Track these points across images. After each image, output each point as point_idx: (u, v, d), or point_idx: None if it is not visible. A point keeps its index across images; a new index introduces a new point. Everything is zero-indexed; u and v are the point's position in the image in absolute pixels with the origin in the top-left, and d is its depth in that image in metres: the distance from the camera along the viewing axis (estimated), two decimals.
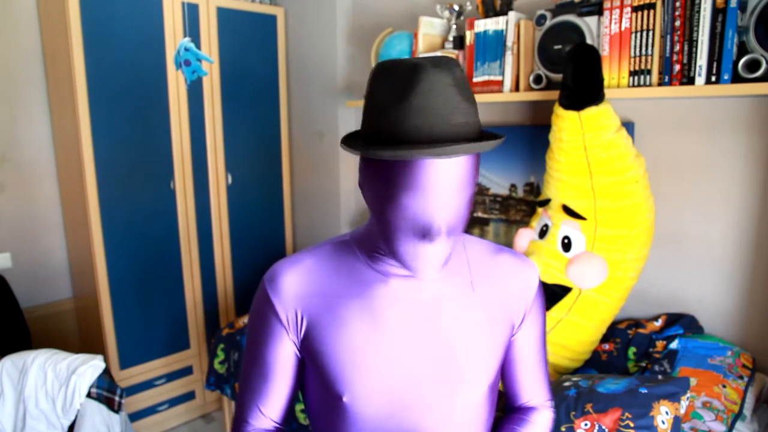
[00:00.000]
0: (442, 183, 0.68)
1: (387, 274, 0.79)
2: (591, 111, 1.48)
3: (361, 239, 0.82)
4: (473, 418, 0.83)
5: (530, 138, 2.04)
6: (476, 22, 1.91)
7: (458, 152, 0.64)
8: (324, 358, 0.78)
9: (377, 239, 0.79)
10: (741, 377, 1.49)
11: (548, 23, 1.71)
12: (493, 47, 1.87)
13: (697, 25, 1.40)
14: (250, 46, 2.74)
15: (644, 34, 1.52)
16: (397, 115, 0.67)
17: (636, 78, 1.55)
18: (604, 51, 1.59)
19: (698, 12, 1.40)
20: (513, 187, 2.14)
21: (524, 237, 1.78)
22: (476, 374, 0.81)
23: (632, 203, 1.56)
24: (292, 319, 0.80)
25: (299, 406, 1.90)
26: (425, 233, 0.70)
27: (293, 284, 0.79)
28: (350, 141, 0.76)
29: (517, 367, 0.92)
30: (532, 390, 0.94)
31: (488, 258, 0.87)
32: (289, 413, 0.88)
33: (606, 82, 1.59)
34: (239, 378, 0.87)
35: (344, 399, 0.77)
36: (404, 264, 0.74)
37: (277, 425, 0.87)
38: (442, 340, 0.79)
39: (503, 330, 0.85)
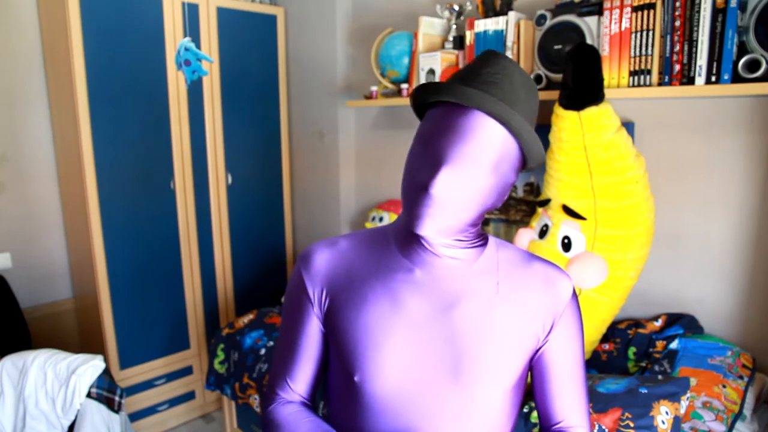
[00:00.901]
0: (468, 132, 0.72)
1: (414, 262, 0.82)
2: (591, 111, 1.48)
3: (396, 227, 0.85)
4: (487, 419, 0.81)
5: None
6: (476, 22, 1.91)
7: (495, 108, 0.71)
8: (340, 334, 0.82)
9: (405, 224, 0.82)
10: (741, 377, 1.49)
11: (548, 23, 1.71)
12: (492, 47, 1.87)
13: (697, 25, 1.40)
14: (250, 46, 2.74)
15: (644, 34, 1.52)
16: (465, 71, 0.78)
17: (636, 78, 1.55)
18: (604, 51, 1.59)
19: (698, 12, 1.40)
20: (513, 187, 2.14)
21: (524, 237, 1.78)
22: (492, 375, 0.79)
23: (632, 203, 1.56)
24: (318, 295, 0.84)
25: None
26: (429, 173, 0.73)
27: (323, 262, 0.85)
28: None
29: (547, 384, 0.86)
30: (564, 411, 0.86)
31: (520, 263, 0.85)
32: (315, 390, 0.91)
33: (606, 82, 1.59)
34: (274, 350, 0.93)
35: (355, 378, 0.79)
36: (408, 214, 0.76)
37: (304, 399, 0.90)
38: (458, 335, 0.79)
39: (526, 338, 0.82)
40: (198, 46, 2.48)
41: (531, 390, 0.91)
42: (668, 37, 1.47)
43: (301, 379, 0.88)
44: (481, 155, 0.73)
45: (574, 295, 0.86)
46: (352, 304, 0.81)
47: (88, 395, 1.72)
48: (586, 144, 1.52)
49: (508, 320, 0.81)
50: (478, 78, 0.75)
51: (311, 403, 0.91)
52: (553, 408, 0.86)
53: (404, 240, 0.82)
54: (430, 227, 0.74)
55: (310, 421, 0.84)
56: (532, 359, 0.86)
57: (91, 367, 1.74)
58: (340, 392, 0.85)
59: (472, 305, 0.80)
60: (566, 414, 0.86)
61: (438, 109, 0.76)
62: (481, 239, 0.84)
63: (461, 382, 0.79)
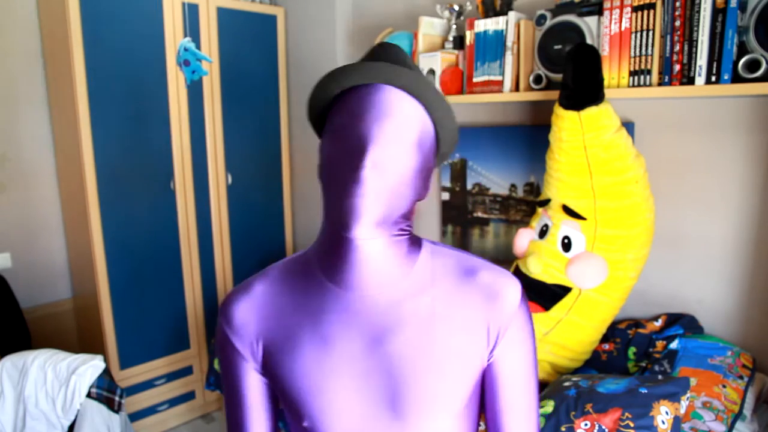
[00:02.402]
0: (379, 107, 0.69)
1: (343, 285, 0.74)
2: (591, 111, 1.48)
3: (318, 249, 0.77)
4: None
5: (530, 138, 2.04)
6: (476, 22, 1.91)
7: (402, 76, 0.69)
8: (282, 383, 0.76)
9: (328, 239, 0.75)
10: (741, 377, 1.49)
11: (548, 23, 1.71)
12: (493, 47, 1.87)
13: (697, 25, 1.40)
14: (250, 46, 2.74)
15: (644, 34, 1.52)
16: (357, 62, 0.73)
17: (636, 78, 1.55)
18: (604, 51, 1.59)
19: (698, 12, 1.40)
20: (513, 187, 2.14)
21: (524, 237, 1.78)
22: (434, 404, 0.73)
23: (632, 203, 1.56)
24: (251, 350, 0.78)
25: None
26: (353, 156, 0.67)
27: (245, 313, 0.78)
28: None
29: (496, 401, 0.78)
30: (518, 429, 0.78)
31: (458, 273, 0.77)
32: None
33: (606, 82, 1.59)
34: (226, 420, 0.85)
35: (305, 424, 0.74)
36: (337, 214, 0.69)
37: None
38: (396, 364, 0.72)
39: (470, 358, 0.75)
40: (198, 46, 2.48)
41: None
42: (668, 37, 1.47)
43: None
44: (404, 132, 0.69)
45: (523, 302, 0.77)
46: (286, 349, 0.75)
47: (88, 395, 1.72)
48: (586, 144, 1.52)
49: (448, 341, 0.73)
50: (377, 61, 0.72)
51: None
52: (502, 427, 0.78)
53: (329, 261, 0.74)
54: (365, 221, 0.67)
55: None
56: (483, 377, 0.78)
57: (91, 367, 1.74)
58: None
59: (408, 330, 0.73)
60: None
61: (342, 101, 0.73)
62: (414, 242, 0.77)
63: (405, 415, 0.73)
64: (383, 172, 0.67)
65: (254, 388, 0.80)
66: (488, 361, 0.76)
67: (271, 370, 0.77)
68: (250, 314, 0.77)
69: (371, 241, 0.71)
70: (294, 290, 0.77)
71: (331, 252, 0.74)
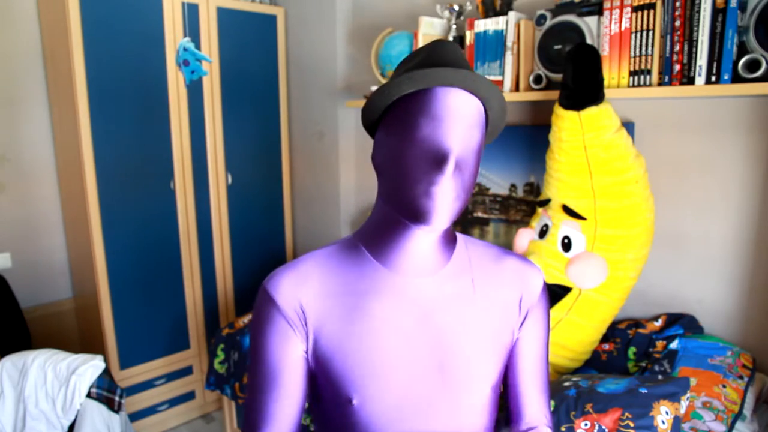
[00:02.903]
0: (459, 112, 0.72)
1: (391, 269, 0.79)
2: (591, 111, 1.48)
3: (365, 235, 0.82)
4: (477, 419, 0.82)
5: (530, 138, 2.04)
6: (476, 22, 1.91)
7: (479, 80, 0.72)
8: (332, 361, 0.77)
9: (385, 224, 0.79)
10: (741, 377, 1.49)
11: (548, 23, 1.71)
12: (493, 47, 1.87)
13: (697, 25, 1.40)
14: (250, 46, 2.74)
15: (644, 34, 1.52)
16: (425, 60, 0.75)
17: (636, 78, 1.55)
18: (604, 51, 1.59)
19: (698, 12, 1.40)
20: (513, 187, 2.14)
21: (524, 237, 1.78)
22: (479, 375, 0.81)
23: (632, 203, 1.56)
24: (299, 322, 0.77)
25: None
26: (439, 160, 0.71)
27: (296, 288, 0.78)
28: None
29: (516, 377, 0.89)
30: (532, 408, 0.89)
31: (491, 260, 0.87)
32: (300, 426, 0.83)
33: (606, 82, 1.59)
34: (246, 396, 0.82)
35: (354, 402, 0.76)
36: (417, 211, 0.73)
37: None
38: (444, 340, 0.79)
39: (504, 334, 0.85)
40: (198, 46, 2.48)
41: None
42: (668, 37, 1.47)
43: (287, 416, 0.79)
44: (476, 134, 0.74)
45: (545, 288, 0.89)
46: (336, 328, 0.77)
47: (88, 395, 1.72)
48: (586, 144, 1.52)
49: (487, 318, 0.83)
50: (435, 62, 0.75)
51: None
52: (522, 404, 0.89)
53: (383, 246, 0.79)
54: (444, 218, 0.73)
55: None
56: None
57: (91, 367, 1.74)
58: (334, 417, 0.81)
59: (452, 308, 0.81)
60: (533, 411, 0.89)
61: (405, 105, 0.74)
62: (451, 231, 0.84)
63: (451, 387, 0.79)
64: (461, 173, 0.73)
65: (294, 359, 0.78)
66: (516, 337, 0.87)
67: (320, 349, 0.78)
68: (299, 291, 0.78)
69: (432, 233, 0.78)
70: (343, 272, 0.80)
71: (387, 239, 0.79)
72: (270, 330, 0.78)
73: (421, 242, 0.78)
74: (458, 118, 0.72)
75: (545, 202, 1.74)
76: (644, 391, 1.31)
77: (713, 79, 1.40)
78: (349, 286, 0.79)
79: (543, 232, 1.73)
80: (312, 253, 0.83)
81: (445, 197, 0.72)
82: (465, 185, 0.74)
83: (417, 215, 0.73)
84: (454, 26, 2.10)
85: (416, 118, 0.73)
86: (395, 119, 0.75)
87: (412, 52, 0.81)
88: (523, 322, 0.87)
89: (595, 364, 1.77)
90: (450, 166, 0.70)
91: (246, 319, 2.39)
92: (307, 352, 0.79)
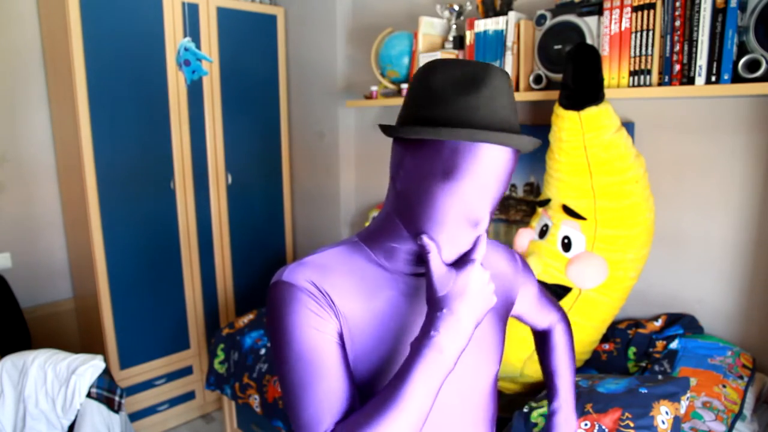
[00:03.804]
0: (501, 172, 0.71)
1: (401, 272, 0.78)
2: (591, 111, 1.48)
3: (372, 239, 0.80)
4: (483, 407, 0.86)
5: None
6: (476, 22, 1.91)
7: (527, 144, 0.69)
8: (353, 363, 0.74)
9: (393, 234, 0.77)
10: (741, 377, 1.49)
11: (548, 23, 1.71)
12: (493, 47, 1.87)
13: (697, 25, 1.40)
14: (250, 46, 2.74)
15: (644, 34, 1.52)
16: (467, 103, 0.68)
17: (636, 78, 1.55)
18: (604, 51, 1.59)
19: (698, 12, 1.40)
20: (513, 187, 2.14)
21: (524, 237, 1.78)
22: (488, 364, 0.84)
23: (632, 203, 1.56)
24: (326, 301, 0.72)
25: None
26: (477, 221, 0.71)
27: (311, 275, 0.73)
28: (394, 127, 0.74)
29: (529, 312, 1.04)
30: (545, 317, 1.08)
31: (488, 248, 0.93)
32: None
33: (606, 82, 1.59)
34: (288, 397, 0.71)
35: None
36: (440, 251, 0.72)
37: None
38: None
39: (504, 316, 0.92)
40: (198, 46, 2.48)
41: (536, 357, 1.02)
42: (668, 37, 1.47)
43: (342, 402, 0.70)
44: (506, 182, 0.73)
45: (523, 259, 1.02)
46: (358, 329, 0.74)
47: (88, 395, 1.72)
48: (586, 144, 1.52)
49: (493, 309, 0.88)
50: (499, 106, 0.69)
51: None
52: (538, 319, 1.07)
53: (387, 250, 0.78)
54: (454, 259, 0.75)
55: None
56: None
57: (91, 367, 1.74)
58: None
59: None
60: (547, 316, 1.08)
61: (440, 146, 0.69)
62: None
63: (464, 379, 0.81)
64: (491, 215, 0.75)
65: (335, 344, 0.72)
66: (513, 302, 0.96)
67: (345, 332, 0.73)
68: (315, 277, 0.73)
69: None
70: (354, 272, 0.77)
71: (392, 247, 0.78)
72: (299, 313, 0.71)
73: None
74: (500, 177, 0.71)
75: (545, 202, 1.74)
76: (644, 391, 1.31)
77: (713, 79, 1.40)
78: (357, 280, 0.76)
79: (543, 232, 1.73)
80: (321, 251, 0.79)
81: (465, 247, 0.74)
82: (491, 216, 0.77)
83: (442, 254, 0.73)
84: (454, 26, 2.10)
85: (455, 170, 0.69)
86: (431, 155, 0.70)
87: (455, 61, 0.72)
88: (520, 289, 0.98)
89: (595, 364, 1.77)
90: (484, 224, 0.72)
91: (246, 319, 2.39)
92: (340, 331, 0.73)
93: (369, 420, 0.64)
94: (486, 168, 0.69)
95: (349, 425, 0.65)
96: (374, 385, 0.75)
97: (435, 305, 0.70)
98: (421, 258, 0.78)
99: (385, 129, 0.73)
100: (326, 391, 0.69)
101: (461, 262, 0.73)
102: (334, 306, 0.73)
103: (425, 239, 0.71)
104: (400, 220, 0.76)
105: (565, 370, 1.07)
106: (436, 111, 0.69)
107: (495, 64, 0.72)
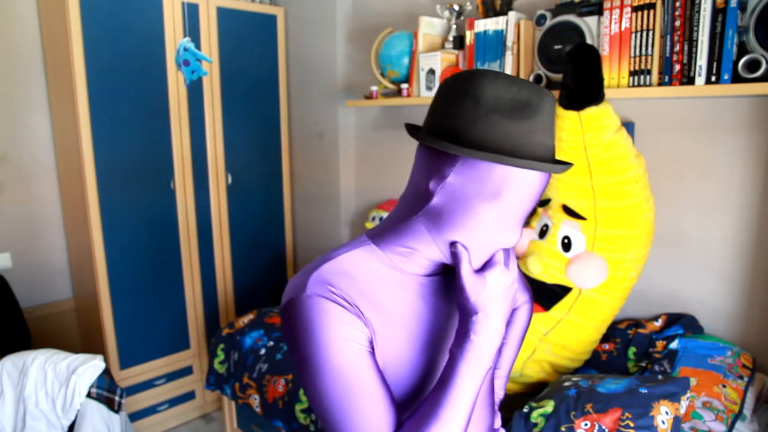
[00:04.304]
0: (538, 193, 0.73)
1: (414, 274, 0.78)
2: (591, 111, 1.47)
3: (385, 240, 0.78)
4: (487, 400, 0.88)
5: None
6: (476, 22, 1.91)
7: (565, 170, 0.71)
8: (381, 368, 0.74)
9: (414, 238, 0.75)
10: (741, 377, 1.49)
11: (548, 23, 1.71)
12: (493, 47, 1.87)
13: (697, 25, 1.40)
14: (250, 46, 2.74)
15: (644, 34, 1.52)
16: (522, 129, 0.68)
17: (636, 78, 1.55)
18: (604, 51, 1.59)
19: (698, 12, 1.40)
20: None
21: (524, 237, 1.78)
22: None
23: (632, 203, 1.56)
24: (354, 308, 0.71)
25: (299, 406, 1.90)
26: (512, 235, 0.73)
27: (331, 281, 0.71)
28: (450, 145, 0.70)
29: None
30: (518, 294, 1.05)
31: None
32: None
33: (606, 82, 1.59)
34: (330, 419, 0.69)
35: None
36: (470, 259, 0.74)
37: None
38: (452, 328, 0.83)
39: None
40: (198, 46, 2.48)
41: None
42: (668, 37, 1.47)
43: (393, 410, 0.71)
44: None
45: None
46: (379, 332, 0.73)
47: (88, 395, 1.72)
48: (586, 144, 1.52)
49: None
50: (547, 132, 0.70)
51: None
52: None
53: (403, 253, 0.77)
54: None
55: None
56: None
57: (91, 367, 1.74)
58: None
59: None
60: (519, 297, 1.08)
61: (477, 165, 0.69)
62: None
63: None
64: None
65: (368, 354, 0.71)
66: None
67: (377, 327, 0.73)
68: (336, 282, 0.72)
69: None
70: (372, 275, 0.75)
71: (411, 250, 0.77)
72: (333, 328, 0.68)
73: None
74: (536, 198, 0.73)
75: (545, 202, 1.74)
76: (644, 391, 1.31)
77: (713, 79, 1.40)
78: (377, 285, 0.75)
79: (543, 232, 1.73)
80: (331, 256, 0.76)
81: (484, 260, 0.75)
82: None
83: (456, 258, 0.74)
84: (454, 26, 2.10)
85: (503, 192, 0.69)
86: (482, 175, 0.69)
87: (504, 76, 0.70)
88: None
89: (595, 364, 1.77)
90: (513, 242, 0.74)
91: (246, 319, 2.39)
92: (371, 338, 0.72)
93: (425, 423, 0.68)
94: (530, 191, 0.71)
95: (406, 430, 0.69)
96: (399, 389, 0.76)
97: (469, 310, 0.72)
98: (440, 263, 0.78)
99: (434, 141, 0.70)
100: (374, 406, 0.68)
101: (485, 264, 0.75)
102: (363, 315, 0.71)
103: (459, 247, 0.72)
104: (427, 227, 0.74)
105: (514, 343, 1.07)
106: (489, 130, 0.67)
107: (544, 88, 0.72)
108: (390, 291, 0.76)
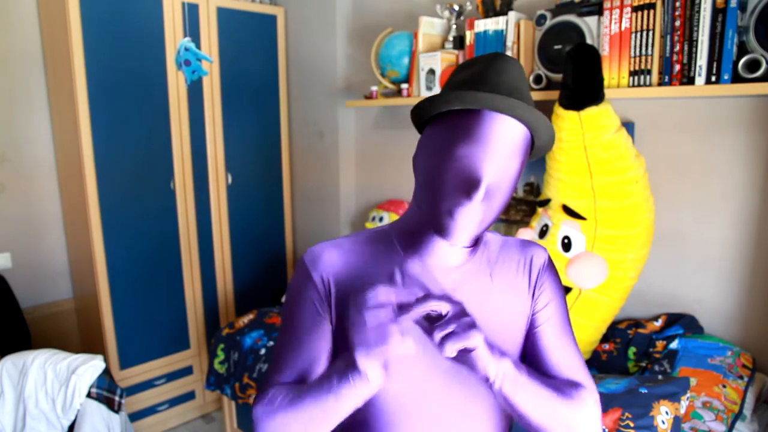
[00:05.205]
0: (500, 140, 0.72)
1: (416, 262, 0.82)
2: (591, 111, 1.48)
3: (399, 227, 0.85)
4: (493, 406, 0.85)
5: None
6: (476, 22, 1.91)
7: (528, 112, 0.72)
8: (349, 339, 0.78)
9: (415, 221, 0.82)
10: (741, 377, 1.49)
11: (548, 23, 1.71)
12: (493, 47, 1.87)
13: (697, 25, 1.40)
14: (250, 46, 2.74)
15: (644, 34, 1.52)
16: (478, 75, 0.75)
17: (636, 78, 1.55)
18: (604, 51, 1.59)
19: (698, 12, 1.40)
20: None
21: (524, 237, 1.78)
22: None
23: (632, 203, 1.56)
24: (330, 296, 0.82)
25: None
26: (470, 185, 0.71)
27: (333, 263, 0.82)
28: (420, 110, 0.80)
29: (543, 346, 0.87)
30: (567, 365, 0.86)
31: (500, 246, 0.90)
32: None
33: (606, 82, 1.59)
34: (274, 351, 0.87)
35: None
36: (439, 226, 0.74)
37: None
38: None
39: (521, 316, 0.87)
40: (198, 46, 2.48)
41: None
42: (668, 37, 1.47)
43: (306, 363, 0.82)
44: (514, 162, 0.74)
45: (550, 261, 0.92)
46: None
47: (88, 395, 1.72)
48: (586, 144, 1.52)
49: (503, 304, 0.85)
50: (489, 81, 0.74)
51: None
52: (555, 365, 0.86)
53: (411, 241, 0.83)
54: (465, 237, 0.74)
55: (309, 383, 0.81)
56: (526, 338, 0.89)
57: (91, 367, 1.74)
58: None
59: (471, 296, 0.82)
60: (570, 369, 0.86)
61: (451, 118, 0.74)
62: (477, 237, 0.86)
63: (465, 375, 0.81)
64: (491, 199, 0.74)
65: (322, 332, 0.82)
66: (533, 314, 0.88)
67: (340, 324, 0.81)
68: (338, 264, 0.82)
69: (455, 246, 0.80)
70: (375, 255, 0.83)
71: (415, 236, 0.82)
72: (302, 302, 0.83)
73: (445, 247, 0.81)
74: (499, 146, 0.72)
75: (545, 202, 1.74)
76: (644, 391, 1.31)
77: (713, 79, 1.40)
78: (377, 269, 0.82)
79: (543, 232, 1.73)
80: (351, 235, 0.87)
81: (468, 221, 0.73)
82: (493, 209, 0.75)
83: (438, 229, 0.75)
84: (454, 26, 2.10)
85: (458, 137, 0.73)
86: (440, 131, 0.76)
87: (472, 59, 0.80)
88: (535, 298, 0.88)
89: (595, 364, 1.77)
90: (479, 195, 0.71)
91: (246, 319, 2.39)
92: (332, 325, 0.82)
93: (290, 401, 0.75)
94: (483, 130, 0.72)
95: (280, 392, 0.78)
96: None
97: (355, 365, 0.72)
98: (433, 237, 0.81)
99: (418, 112, 0.79)
100: (295, 354, 0.82)
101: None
102: (334, 301, 0.81)
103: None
104: (418, 207, 0.80)
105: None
106: (454, 89, 0.76)
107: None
108: (377, 272, 0.82)
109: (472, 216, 0.73)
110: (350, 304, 0.70)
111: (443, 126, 0.75)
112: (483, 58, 0.79)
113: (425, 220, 0.79)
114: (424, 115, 0.79)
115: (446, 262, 0.82)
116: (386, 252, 0.84)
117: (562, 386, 0.82)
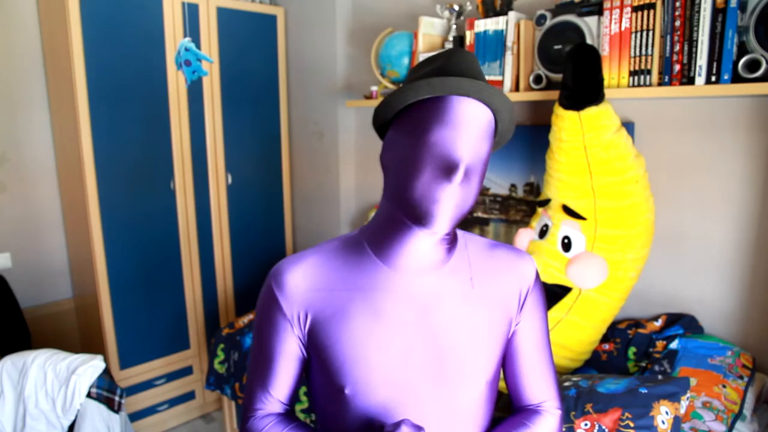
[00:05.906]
0: (472, 122, 0.74)
1: (393, 265, 0.81)
2: (591, 111, 1.48)
3: (369, 232, 0.84)
4: (471, 414, 0.84)
5: (530, 138, 2.04)
6: (476, 22, 1.91)
7: (494, 93, 0.74)
8: (327, 351, 0.80)
9: (388, 220, 0.81)
10: (741, 377, 1.49)
11: (548, 23, 1.71)
12: (493, 47, 1.87)
13: (697, 25, 1.40)
14: (250, 46, 2.74)
15: (644, 34, 1.52)
16: (441, 68, 0.76)
17: (636, 78, 1.55)
18: (604, 51, 1.59)
19: (698, 12, 1.40)
20: (513, 187, 2.14)
21: (524, 237, 1.78)
22: (475, 370, 0.83)
23: (632, 203, 1.56)
24: (297, 316, 0.82)
25: (299, 406, 1.90)
26: (448, 167, 0.73)
27: (298, 281, 0.82)
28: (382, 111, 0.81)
29: (517, 362, 0.91)
30: (535, 389, 0.91)
31: (486, 254, 0.89)
32: (294, 398, 0.91)
33: (606, 82, 1.59)
34: (247, 376, 0.90)
35: (346, 391, 0.79)
36: (420, 214, 0.75)
37: (286, 405, 0.89)
38: (442, 336, 0.81)
39: (502, 326, 0.87)
40: (198, 46, 2.48)
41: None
42: (668, 37, 1.47)
43: (281, 387, 0.87)
44: (486, 145, 0.76)
45: (537, 275, 0.92)
46: (336, 320, 0.80)
47: (88, 395, 1.72)
48: (586, 144, 1.52)
49: (484, 313, 0.85)
50: (452, 71, 0.76)
51: (291, 408, 0.92)
52: (524, 387, 0.92)
53: (385, 244, 0.82)
54: (447, 224, 0.75)
55: (292, 428, 0.86)
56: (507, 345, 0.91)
57: (91, 367, 1.74)
58: (327, 404, 0.84)
59: (451, 305, 0.82)
60: (538, 393, 0.92)
61: (419, 108, 0.76)
62: (454, 234, 0.86)
63: (446, 382, 0.81)
64: (468, 182, 0.75)
65: (289, 348, 0.84)
66: (514, 327, 0.89)
67: (316, 338, 0.81)
68: (301, 281, 0.82)
69: (433, 235, 0.79)
70: (345, 266, 0.83)
71: (389, 238, 0.81)
72: (269, 322, 0.84)
73: (423, 243, 0.80)
74: (471, 128, 0.74)
75: (545, 202, 1.74)
76: (644, 391, 1.31)
77: (713, 79, 1.40)
78: (350, 281, 0.81)
79: (543, 232, 1.73)
80: (318, 247, 0.86)
81: (450, 204, 0.74)
82: (471, 193, 0.76)
83: (420, 218, 0.75)
84: (454, 26, 2.10)
85: (431, 122, 0.74)
86: (409, 121, 0.77)
87: (430, 56, 0.82)
88: (520, 311, 0.89)
89: (595, 364, 1.77)
90: (459, 175, 0.72)
91: (246, 319, 2.39)
92: (304, 345, 0.84)
93: None
94: (453, 115, 0.73)
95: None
96: (368, 363, 0.79)
97: None
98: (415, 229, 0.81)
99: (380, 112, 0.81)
100: (266, 385, 0.86)
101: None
102: (303, 319, 0.82)
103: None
104: (394, 204, 0.80)
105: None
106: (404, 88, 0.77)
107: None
108: (356, 285, 0.82)
109: (453, 198, 0.74)
110: None
111: (412, 117, 0.76)
112: (442, 54, 0.80)
113: (403, 214, 0.78)
114: (389, 113, 0.80)
115: (423, 263, 0.81)
116: (358, 260, 0.83)
117: (525, 422, 0.89)
